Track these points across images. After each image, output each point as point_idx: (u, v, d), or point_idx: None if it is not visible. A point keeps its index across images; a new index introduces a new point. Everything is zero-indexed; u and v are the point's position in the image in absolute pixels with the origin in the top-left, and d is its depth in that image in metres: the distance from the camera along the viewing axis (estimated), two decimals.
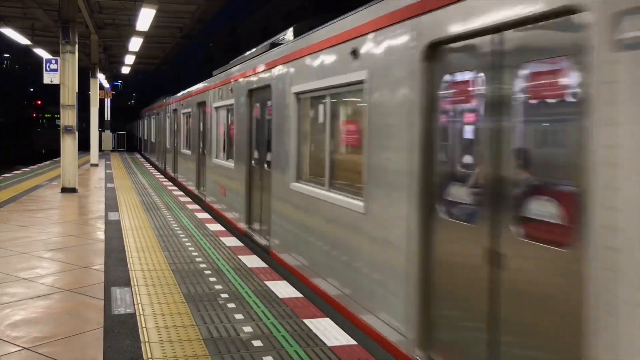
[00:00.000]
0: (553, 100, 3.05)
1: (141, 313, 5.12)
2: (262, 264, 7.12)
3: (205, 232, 9.20)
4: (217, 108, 12.56)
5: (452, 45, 3.85)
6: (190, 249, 7.91)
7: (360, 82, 5.22)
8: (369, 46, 5.06)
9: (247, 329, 4.80)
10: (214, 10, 19.39)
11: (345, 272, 5.53)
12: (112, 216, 10.52)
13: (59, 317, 5.14)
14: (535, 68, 3.14)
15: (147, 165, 26.15)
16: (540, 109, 3.16)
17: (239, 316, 5.12)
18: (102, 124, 31.53)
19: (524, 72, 3.21)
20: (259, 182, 8.93)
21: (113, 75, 41.31)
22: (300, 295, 5.84)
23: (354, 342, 4.54)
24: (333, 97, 6.20)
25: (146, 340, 4.49)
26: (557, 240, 2.92)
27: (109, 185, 16.24)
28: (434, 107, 4.10)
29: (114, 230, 9.09)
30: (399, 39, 4.50)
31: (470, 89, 3.72)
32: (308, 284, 6.50)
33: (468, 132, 3.82)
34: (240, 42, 50.61)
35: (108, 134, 35.35)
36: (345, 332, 4.78)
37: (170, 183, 17.68)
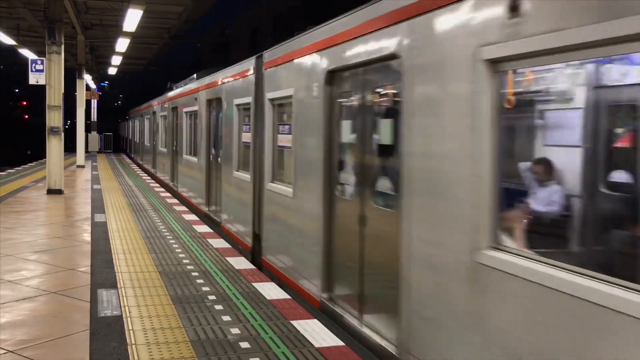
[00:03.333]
0: None
1: (128, 315, 5.10)
2: (250, 266, 7.12)
3: (193, 233, 9.17)
4: (273, 101, 7.82)
5: None
6: (177, 250, 7.88)
7: None
8: None
9: (235, 330, 4.79)
10: (201, 11, 19.34)
11: None
12: (99, 218, 10.45)
13: (45, 319, 5.11)
14: None
15: (134, 166, 26.03)
16: None
17: (226, 318, 5.11)
18: (88, 125, 31.36)
19: None
20: (364, 230, 5.11)
21: (100, 76, 41.04)
22: (287, 296, 5.84)
23: (341, 344, 4.55)
24: None
25: (133, 342, 4.47)
26: None
27: (95, 186, 16.13)
28: None
29: (100, 232, 9.03)
30: None
31: None
32: None
33: None
34: (229, 43, 50.48)
35: (95, 135, 35.14)
36: (333, 333, 4.80)
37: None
